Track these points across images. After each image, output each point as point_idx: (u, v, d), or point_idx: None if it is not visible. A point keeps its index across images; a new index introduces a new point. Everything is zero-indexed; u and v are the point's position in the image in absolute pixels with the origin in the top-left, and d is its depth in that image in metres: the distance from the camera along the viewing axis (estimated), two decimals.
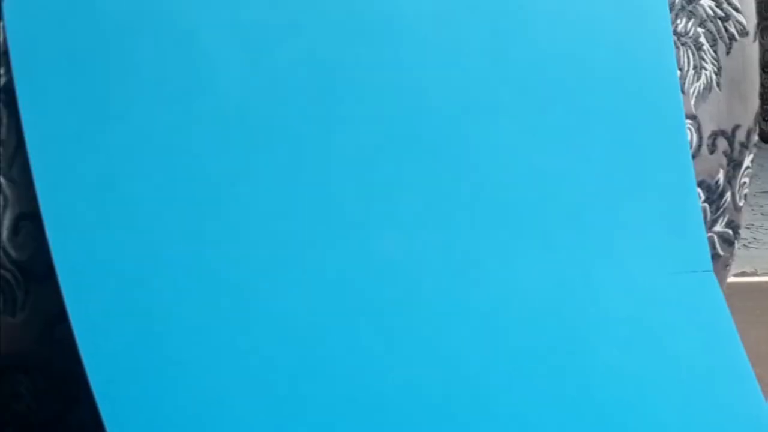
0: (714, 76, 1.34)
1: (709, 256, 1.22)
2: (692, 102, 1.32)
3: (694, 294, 1.19)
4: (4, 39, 1.00)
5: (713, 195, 1.32)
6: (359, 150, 1.10)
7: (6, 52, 0.99)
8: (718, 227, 1.34)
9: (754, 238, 2.78)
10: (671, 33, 1.25)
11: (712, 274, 1.21)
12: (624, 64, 1.22)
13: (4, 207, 0.99)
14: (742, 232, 1.40)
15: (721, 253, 1.34)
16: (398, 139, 1.12)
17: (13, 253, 1.00)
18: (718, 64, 1.34)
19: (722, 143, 1.34)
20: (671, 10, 1.32)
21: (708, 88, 1.33)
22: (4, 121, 0.99)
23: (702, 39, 1.33)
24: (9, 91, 0.99)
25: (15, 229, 1.00)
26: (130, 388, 0.99)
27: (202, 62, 1.05)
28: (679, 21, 1.32)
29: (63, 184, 1.00)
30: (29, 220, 1.00)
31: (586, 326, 1.15)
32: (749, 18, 1.35)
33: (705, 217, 1.31)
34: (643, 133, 1.21)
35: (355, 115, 1.10)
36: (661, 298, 1.18)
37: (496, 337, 1.12)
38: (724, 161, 1.35)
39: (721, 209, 1.34)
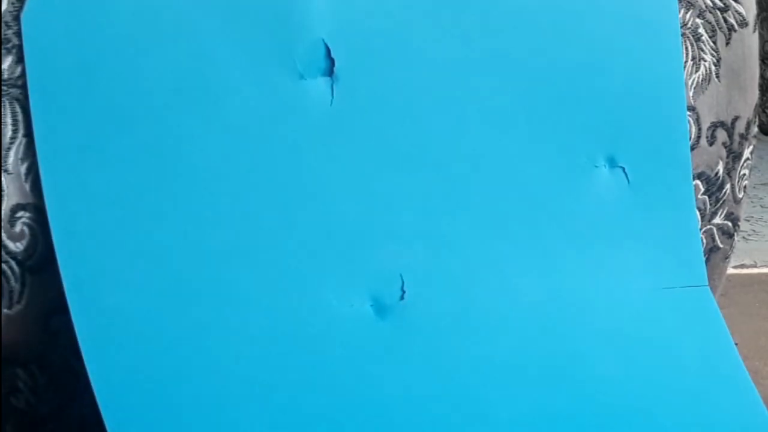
0: (713, 68, 1.33)
1: (704, 270, 1.22)
2: (691, 93, 1.32)
3: (690, 309, 1.18)
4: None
5: (712, 187, 1.32)
6: (357, 158, 1.10)
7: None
8: (718, 219, 1.34)
9: (754, 231, 2.78)
10: (680, 36, 1.24)
11: (708, 289, 1.20)
12: (627, 80, 1.21)
13: (0, 198, 0.99)
14: (742, 225, 1.40)
15: (721, 245, 1.33)
16: (396, 147, 1.11)
17: (9, 244, 1.00)
18: (718, 55, 1.33)
19: (722, 135, 1.34)
20: None
21: (707, 79, 1.33)
22: (1, 111, 0.99)
23: (701, 30, 1.32)
24: (6, 82, 0.99)
25: (11, 220, 1.00)
26: (130, 385, 0.99)
27: (212, 70, 1.05)
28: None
29: (69, 181, 1.00)
30: (25, 211, 1.00)
31: (581, 341, 1.14)
32: (749, 9, 1.35)
33: (704, 209, 1.31)
34: (640, 146, 1.21)
35: (352, 124, 1.10)
36: (655, 314, 1.17)
37: (491, 350, 1.11)
38: (724, 153, 1.34)
39: (721, 201, 1.34)
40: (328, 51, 1.08)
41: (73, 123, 1.01)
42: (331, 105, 1.08)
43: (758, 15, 1.37)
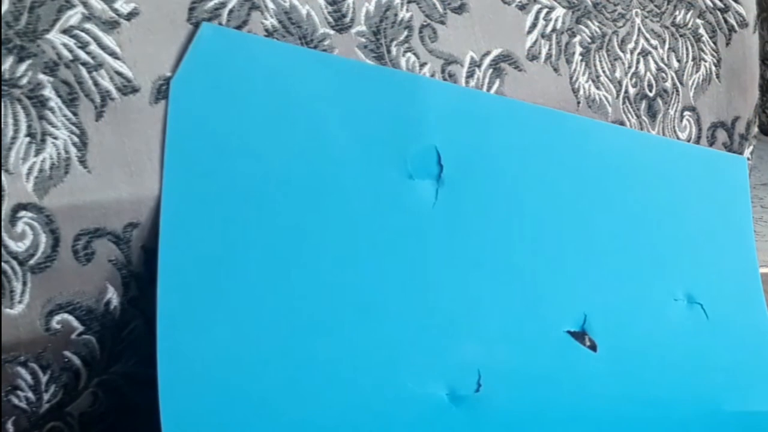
0: (713, 68, 1.34)
1: None
2: (691, 94, 1.32)
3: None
4: None
5: None
6: (449, 256, 1.17)
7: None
8: None
9: (754, 231, 2.77)
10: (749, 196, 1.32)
11: None
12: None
13: (1, 198, 0.99)
14: None
15: None
16: (486, 253, 1.19)
17: (10, 244, 1.00)
18: (718, 55, 1.34)
19: (722, 135, 1.35)
20: (669, 1, 1.32)
21: (707, 79, 1.33)
22: (1, 112, 0.99)
23: (701, 30, 1.32)
24: (6, 82, 0.99)
25: (12, 220, 1.00)
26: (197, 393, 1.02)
27: (332, 161, 1.12)
28: (677, 12, 1.32)
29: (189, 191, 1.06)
30: (26, 211, 1.00)
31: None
32: (749, 9, 1.35)
33: None
34: (715, 286, 1.30)
35: (450, 226, 1.17)
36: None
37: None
38: None
39: None
40: (439, 157, 1.16)
41: (201, 191, 1.07)
42: (433, 207, 1.16)
43: (758, 15, 1.37)
